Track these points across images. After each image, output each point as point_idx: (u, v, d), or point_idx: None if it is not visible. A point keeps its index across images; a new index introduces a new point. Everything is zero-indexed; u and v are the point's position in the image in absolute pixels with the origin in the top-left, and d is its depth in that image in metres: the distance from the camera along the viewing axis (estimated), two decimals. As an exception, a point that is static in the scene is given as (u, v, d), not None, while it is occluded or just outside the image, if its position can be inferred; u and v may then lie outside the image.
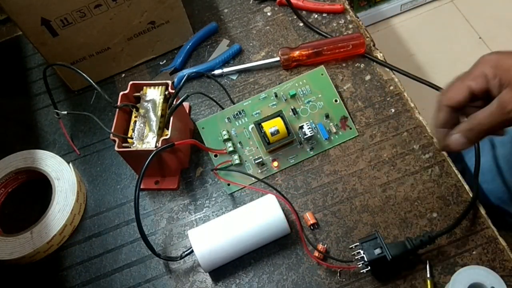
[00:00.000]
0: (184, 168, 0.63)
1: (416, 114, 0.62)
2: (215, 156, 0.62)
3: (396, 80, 0.65)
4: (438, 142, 0.49)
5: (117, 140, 0.55)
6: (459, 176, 0.58)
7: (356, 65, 0.66)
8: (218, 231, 0.54)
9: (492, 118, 0.44)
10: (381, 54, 0.67)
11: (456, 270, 0.50)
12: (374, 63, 0.66)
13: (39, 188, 0.64)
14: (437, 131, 0.48)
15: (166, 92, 0.58)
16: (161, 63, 0.71)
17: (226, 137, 0.62)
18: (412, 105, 0.63)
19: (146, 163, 0.53)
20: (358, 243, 0.53)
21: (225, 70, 0.68)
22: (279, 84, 0.65)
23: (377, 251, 0.51)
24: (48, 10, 0.58)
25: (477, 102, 0.46)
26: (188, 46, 0.70)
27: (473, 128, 0.45)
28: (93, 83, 0.56)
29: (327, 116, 0.62)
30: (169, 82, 0.58)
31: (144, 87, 0.59)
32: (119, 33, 0.65)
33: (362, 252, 0.52)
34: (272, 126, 0.59)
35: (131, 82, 0.59)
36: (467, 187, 0.57)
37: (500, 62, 0.45)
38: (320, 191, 0.59)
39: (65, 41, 0.62)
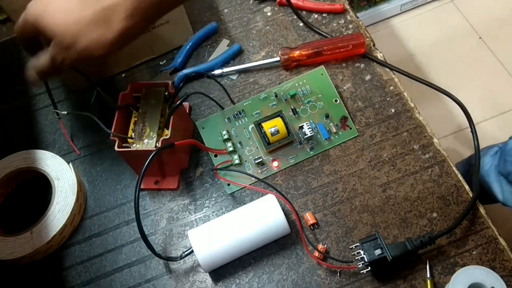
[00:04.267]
0: (184, 168, 0.63)
1: (416, 114, 0.62)
2: (215, 156, 0.62)
3: (396, 80, 0.65)
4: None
5: (117, 140, 0.55)
6: (459, 176, 0.58)
7: (356, 65, 0.66)
8: (218, 231, 0.54)
9: (47, 65, 0.49)
10: (381, 54, 0.67)
11: (456, 270, 0.50)
12: (374, 63, 0.66)
13: (39, 188, 0.64)
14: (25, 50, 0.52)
15: (166, 92, 0.58)
16: (161, 63, 0.71)
17: (226, 137, 0.62)
18: (412, 105, 0.63)
19: (146, 163, 0.53)
20: (358, 243, 0.53)
21: (225, 70, 0.68)
22: (279, 84, 0.65)
23: (378, 251, 0.51)
24: (48, 10, 0.58)
25: None
26: (188, 46, 0.70)
27: (39, 67, 0.50)
28: (95, 86, 0.56)
29: (327, 116, 0.62)
30: (169, 82, 0.58)
31: (144, 87, 0.59)
32: (119, 33, 0.65)
33: (362, 252, 0.52)
34: (272, 126, 0.59)
35: (131, 82, 0.59)
36: (467, 187, 0.57)
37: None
38: (320, 191, 0.59)
39: (65, 41, 0.62)
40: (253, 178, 0.60)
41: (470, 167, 1.06)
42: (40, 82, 0.53)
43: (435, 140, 0.60)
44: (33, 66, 0.50)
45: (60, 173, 0.62)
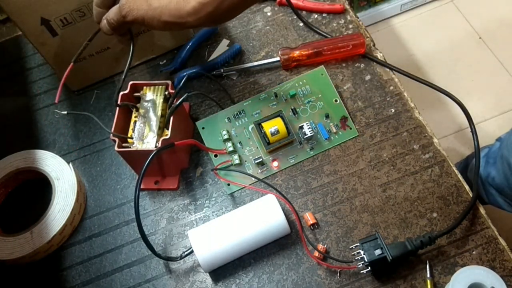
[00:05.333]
0: (184, 168, 0.63)
1: (416, 114, 0.62)
2: (215, 156, 0.62)
3: (396, 80, 0.65)
4: (95, 19, 0.56)
5: (117, 140, 0.55)
6: (459, 176, 0.58)
7: (356, 65, 0.66)
8: (218, 231, 0.54)
9: (114, 15, 0.53)
10: (381, 54, 0.67)
11: (456, 270, 0.50)
12: (374, 63, 0.66)
13: (39, 188, 0.64)
14: (95, 9, 0.55)
15: (166, 92, 0.58)
16: (161, 63, 0.71)
17: (226, 137, 0.62)
18: (412, 105, 0.63)
19: (146, 163, 0.53)
20: (358, 244, 0.53)
21: (225, 70, 0.68)
22: (279, 84, 0.65)
23: (378, 251, 0.51)
24: (47, 10, 0.58)
25: None
26: (188, 46, 0.70)
27: (107, 19, 0.54)
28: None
29: (327, 116, 0.62)
30: (169, 82, 0.58)
31: (144, 87, 0.59)
32: (119, 33, 0.65)
33: (362, 252, 0.52)
34: (272, 126, 0.59)
35: (131, 82, 0.59)
36: (467, 187, 0.57)
37: None
38: (320, 191, 0.59)
39: (65, 41, 0.62)
40: (253, 178, 0.60)
41: (467, 166, 1.07)
42: (111, 32, 0.55)
43: (435, 140, 0.60)
44: (105, 15, 0.54)
45: (60, 173, 0.62)
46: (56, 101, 0.58)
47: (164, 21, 0.51)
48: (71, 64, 0.59)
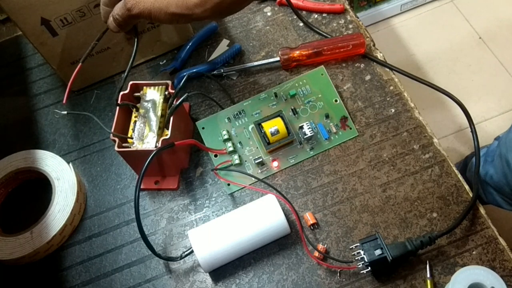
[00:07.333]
0: (184, 168, 0.63)
1: (416, 114, 0.62)
2: (215, 156, 0.62)
3: (396, 80, 0.65)
4: (102, 18, 0.56)
5: (117, 140, 0.55)
6: (459, 176, 0.58)
7: (356, 65, 0.66)
8: (218, 231, 0.54)
9: (119, 10, 0.53)
10: (381, 54, 0.67)
11: (456, 270, 0.50)
12: (374, 63, 0.66)
13: (39, 188, 0.64)
14: (102, 8, 0.55)
15: (166, 92, 0.58)
16: (161, 63, 0.71)
17: (226, 137, 0.62)
18: (412, 105, 0.63)
19: (146, 163, 0.53)
20: (358, 244, 0.53)
21: (225, 70, 0.68)
22: (279, 84, 0.65)
23: (378, 251, 0.51)
24: (47, 10, 0.58)
25: None
26: (188, 46, 0.70)
27: (113, 15, 0.54)
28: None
29: (327, 116, 0.62)
30: (169, 82, 0.58)
31: (144, 87, 0.59)
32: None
33: (362, 252, 0.52)
34: (272, 126, 0.59)
35: (131, 82, 0.59)
36: (467, 187, 0.57)
37: None
38: (320, 191, 0.59)
39: (65, 41, 0.62)
40: (253, 178, 0.60)
41: (466, 166, 1.07)
42: (117, 29, 0.55)
43: (435, 140, 0.60)
44: (111, 12, 0.54)
45: (60, 173, 0.62)
46: (64, 102, 0.58)
47: (171, 12, 0.50)
48: (80, 64, 0.59)
